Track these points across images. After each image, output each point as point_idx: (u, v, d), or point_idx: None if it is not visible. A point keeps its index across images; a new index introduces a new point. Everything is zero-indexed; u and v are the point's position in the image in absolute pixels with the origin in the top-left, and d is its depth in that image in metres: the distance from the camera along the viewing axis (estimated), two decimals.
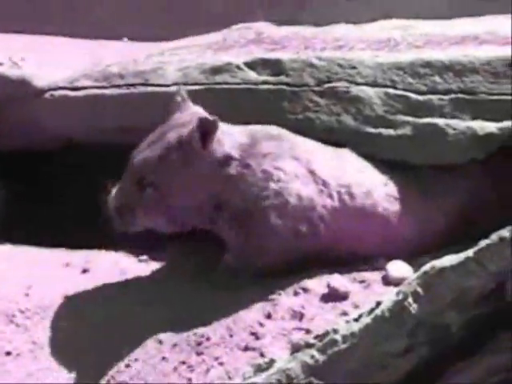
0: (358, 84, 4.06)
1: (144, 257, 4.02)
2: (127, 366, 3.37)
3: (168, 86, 4.21)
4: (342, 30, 4.65)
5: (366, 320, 2.59)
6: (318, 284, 3.60)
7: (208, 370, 3.27)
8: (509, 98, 3.92)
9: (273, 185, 3.66)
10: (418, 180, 3.89)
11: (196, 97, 3.88)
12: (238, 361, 3.28)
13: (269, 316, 3.47)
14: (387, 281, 3.61)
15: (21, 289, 3.79)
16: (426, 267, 2.59)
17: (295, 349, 2.66)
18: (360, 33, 4.56)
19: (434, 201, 3.87)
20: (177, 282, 3.79)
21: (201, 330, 3.45)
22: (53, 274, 3.91)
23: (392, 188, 3.83)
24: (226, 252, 3.76)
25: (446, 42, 4.28)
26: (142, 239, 3.86)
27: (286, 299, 3.55)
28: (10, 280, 3.85)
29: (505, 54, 4.01)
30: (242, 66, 4.19)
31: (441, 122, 3.93)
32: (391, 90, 4.03)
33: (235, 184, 3.66)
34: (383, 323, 2.56)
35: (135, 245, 3.98)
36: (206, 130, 3.61)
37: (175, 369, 3.32)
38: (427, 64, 4.06)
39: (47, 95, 4.42)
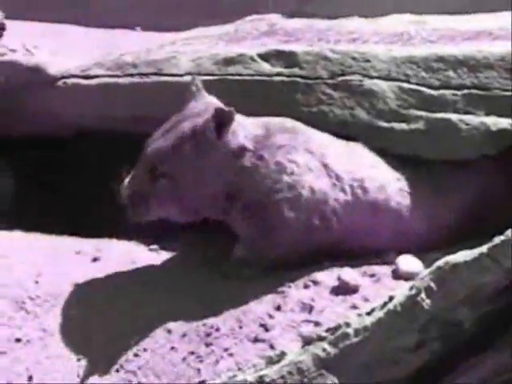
0: (371, 77, 4.05)
1: (155, 246, 4.02)
2: (136, 355, 3.38)
3: (181, 75, 4.21)
4: (355, 24, 4.62)
5: (379, 314, 2.58)
6: (328, 277, 3.61)
7: (217, 361, 3.28)
8: None
9: (286, 177, 3.66)
10: (430, 175, 3.89)
11: (209, 87, 3.87)
12: (248, 352, 3.28)
13: (278, 308, 3.48)
14: (397, 275, 3.61)
15: (31, 276, 3.79)
16: (440, 262, 2.58)
17: (306, 341, 2.66)
18: (374, 26, 4.54)
19: (445, 196, 3.86)
20: (187, 272, 3.79)
21: (210, 321, 3.45)
22: (63, 261, 3.91)
23: (404, 183, 3.83)
24: (237, 243, 3.77)
25: (460, 37, 4.27)
26: (153, 228, 3.86)
27: (295, 291, 3.55)
28: (21, 267, 3.85)
29: None
30: (256, 58, 4.18)
31: (454, 117, 3.93)
32: (405, 84, 4.02)
33: (249, 175, 3.66)
34: (395, 318, 2.56)
35: (146, 234, 3.98)
36: (221, 121, 3.60)
37: (184, 359, 3.33)
38: (441, 59, 4.05)
39: (60, 83, 4.43)
